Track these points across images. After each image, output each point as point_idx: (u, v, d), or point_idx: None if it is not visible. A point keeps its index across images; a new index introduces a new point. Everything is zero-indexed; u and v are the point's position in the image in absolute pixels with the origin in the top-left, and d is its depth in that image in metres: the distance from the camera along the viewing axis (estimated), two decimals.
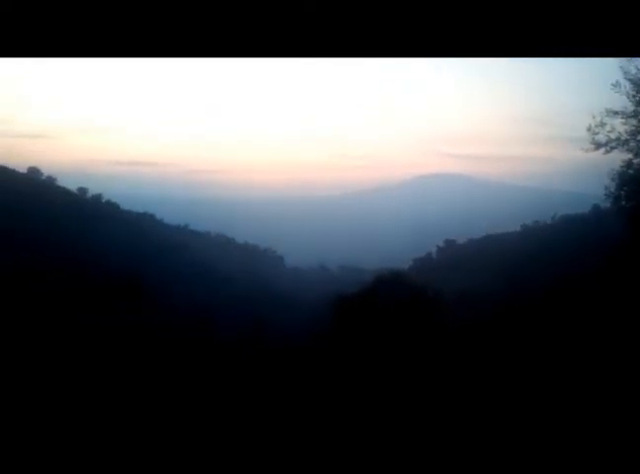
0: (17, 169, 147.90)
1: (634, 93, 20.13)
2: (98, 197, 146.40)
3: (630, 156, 20.65)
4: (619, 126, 20.58)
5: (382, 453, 10.48)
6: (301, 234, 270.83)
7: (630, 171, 20.78)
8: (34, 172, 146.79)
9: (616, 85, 20.25)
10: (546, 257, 77.63)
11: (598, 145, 20.92)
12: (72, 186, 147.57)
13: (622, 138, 20.56)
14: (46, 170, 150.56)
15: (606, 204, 22.80)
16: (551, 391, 13.84)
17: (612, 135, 20.68)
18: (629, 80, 20.07)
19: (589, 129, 20.77)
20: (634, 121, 20.23)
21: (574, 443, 10.36)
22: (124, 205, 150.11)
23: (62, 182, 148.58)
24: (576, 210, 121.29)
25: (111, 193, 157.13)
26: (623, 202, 21.43)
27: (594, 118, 20.73)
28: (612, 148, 20.75)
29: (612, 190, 21.34)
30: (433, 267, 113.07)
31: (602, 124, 20.69)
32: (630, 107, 20.22)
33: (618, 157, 20.98)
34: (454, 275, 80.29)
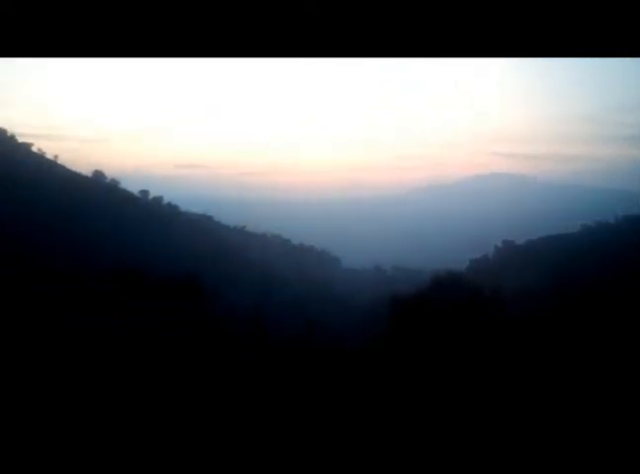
0: (83, 172, 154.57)
1: None
2: (159, 200, 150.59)
3: None
4: None
5: (441, 454, 10.42)
6: (356, 235, 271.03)
7: None
8: (98, 175, 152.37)
9: None
10: (608, 257, 75.65)
11: None
12: (134, 188, 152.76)
13: None
14: (110, 173, 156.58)
15: None
16: (617, 394, 13.85)
17: None
18: None
19: None
20: None
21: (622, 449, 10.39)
22: (184, 207, 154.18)
23: (125, 184, 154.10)
24: (635, 210, 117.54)
25: (171, 195, 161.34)
26: None
27: None
28: None
29: None
30: (490, 268, 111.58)
31: None
32: None
33: None
34: (513, 276, 79.14)
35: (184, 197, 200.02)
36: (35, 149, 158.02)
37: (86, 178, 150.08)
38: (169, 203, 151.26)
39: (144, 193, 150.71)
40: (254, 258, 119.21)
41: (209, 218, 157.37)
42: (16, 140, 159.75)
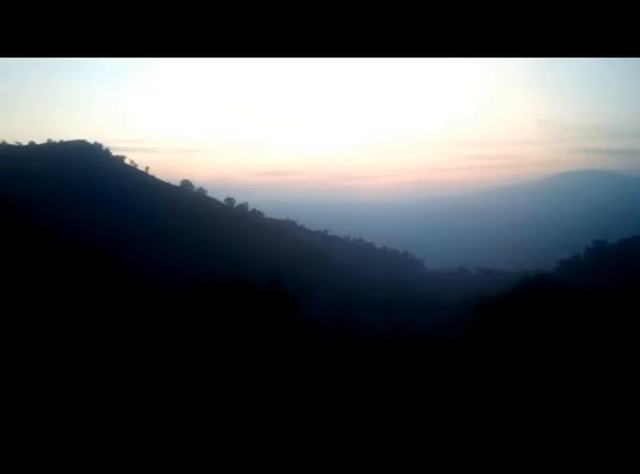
0: (172, 182, 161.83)
1: None
2: (244, 206, 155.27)
3: None
4: None
5: (534, 456, 10.21)
6: (438, 237, 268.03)
7: None
8: (186, 185, 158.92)
9: None
10: None
11: None
12: (220, 196, 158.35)
13: None
14: (197, 182, 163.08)
15: None
16: None
17: None
18: None
19: None
20: None
21: None
22: (268, 213, 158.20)
23: (212, 193, 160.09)
24: None
25: (255, 202, 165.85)
26: None
27: None
28: None
29: None
30: (581, 268, 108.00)
31: None
32: None
33: None
34: (606, 277, 76.55)
35: (267, 203, 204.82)
36: (127, 161, 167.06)
37: (175, 187, 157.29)
38: (254, 210, 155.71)
39: (230, 200, 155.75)
40: (337, 262, 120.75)
41: (293, 223, 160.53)
42: (110, 154, 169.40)
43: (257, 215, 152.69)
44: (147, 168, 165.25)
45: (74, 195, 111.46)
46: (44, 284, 31.15)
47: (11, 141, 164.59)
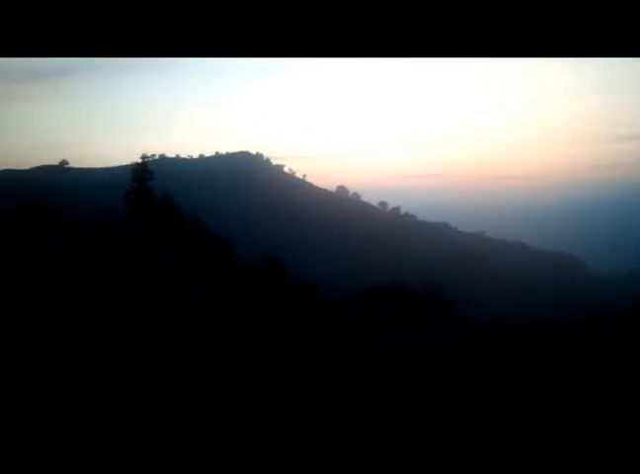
0: (327, 188, 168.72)
1: None
2: (397, 210, 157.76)
3: None
4: None
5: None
6: (604, 237, 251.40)
7: None
8: (342, 190, 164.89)
9: None
10: None
11: None
12: (374, 200, 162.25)
13: None
14: (351, 188, 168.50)
15: None
16: None
17: None
18: None
19: None
20: None
21: None
22: (421, 216, 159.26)
23: (365, 197, 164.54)
24: None
25: (407, 205, 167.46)
26: None
27: None
28: None
29: None
30: None
31: None
32: None
33: None
34: None
35: (420, 206, 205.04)
36: (286, 170, 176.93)
37: (331, 193, 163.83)
38: (407, 213, 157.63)
39: (383, 204, 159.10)
40: (492, 263, 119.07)
41: (446, 226, 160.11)
42: (270, 163, 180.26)
43: (410, 219, 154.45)
44: (304, 175, 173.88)
45: (241, 203, 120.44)
46: (226, 292, 33.57)
47: (184, 155, 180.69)
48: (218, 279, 33.36)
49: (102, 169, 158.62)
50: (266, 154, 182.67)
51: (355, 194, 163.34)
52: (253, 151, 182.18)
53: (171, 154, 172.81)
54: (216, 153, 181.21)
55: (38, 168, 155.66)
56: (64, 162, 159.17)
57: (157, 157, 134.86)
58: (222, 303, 28.40)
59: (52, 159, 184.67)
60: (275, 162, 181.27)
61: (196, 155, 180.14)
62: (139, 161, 38.30)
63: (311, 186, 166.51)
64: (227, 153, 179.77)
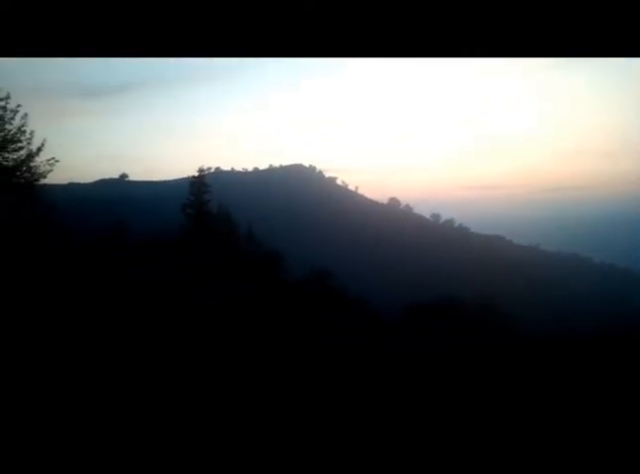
0: (379, 200, 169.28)
1: None
2: (450, 222, 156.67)
3: None
4: None
5: None
6: None
7: None
8: (393, 202, 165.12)
9: None
10: None
11: None
12: (426, 212, 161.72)
13: None
14: (404, 199, 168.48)
15: None
16: None
17: None
18: None
19: None
20: None
21: None
22: (474, 229, 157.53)
23: (418, 209, 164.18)
24: None
25: (461, 217, 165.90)
26: None
27: None
28: None
29: None
30: None
31: None
32: None
33: None
34: None
35: (473, 217, 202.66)
36: (339, 182, 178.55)
37: (383, 205, 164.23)
38: (460, 225, 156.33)
39: (436, 216, 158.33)
40: (548, 276, 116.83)
41: (501, 238, 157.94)
42: (323, 175, 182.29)
43: (463, 231, 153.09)
44: (357, 187, 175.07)
45: (296, 216, 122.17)
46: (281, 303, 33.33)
47: (238, 168, 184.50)
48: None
49: (160, 182, 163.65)
50: (318, 167, 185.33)
51: (407, 205, 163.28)
52: (306, 164, 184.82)
53: (226, 167, 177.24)
54: (270, 166, 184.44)
55: (100, 181, 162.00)
56: (124, 175, 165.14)
57: (213, 170, 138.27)
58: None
59: (114, 172, 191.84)
60: (327, 174, 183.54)
61: (250, 168, 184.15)
62: (196, 174, 38.99)
63: (364, 198, 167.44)
64: (281, 166, 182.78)
